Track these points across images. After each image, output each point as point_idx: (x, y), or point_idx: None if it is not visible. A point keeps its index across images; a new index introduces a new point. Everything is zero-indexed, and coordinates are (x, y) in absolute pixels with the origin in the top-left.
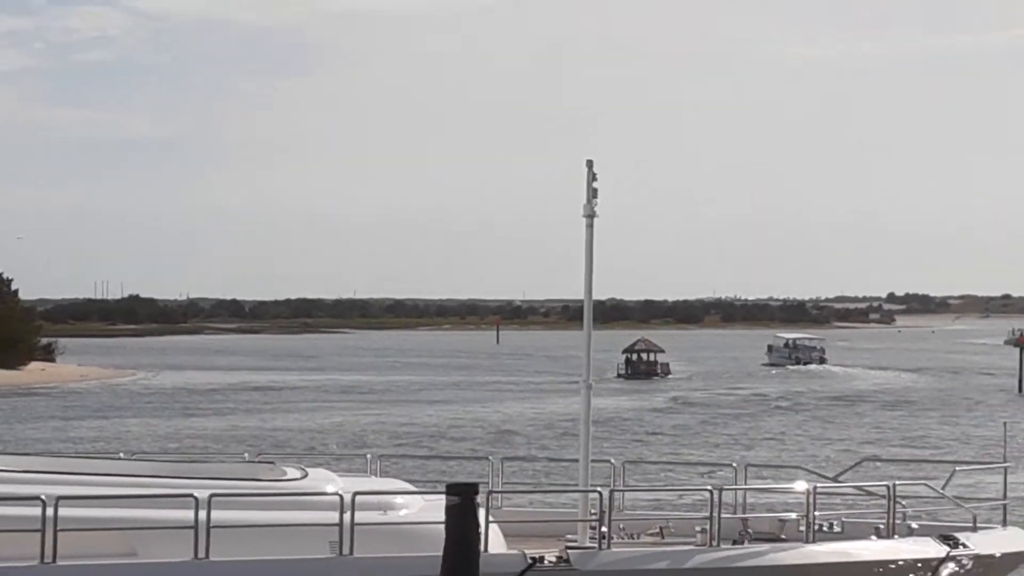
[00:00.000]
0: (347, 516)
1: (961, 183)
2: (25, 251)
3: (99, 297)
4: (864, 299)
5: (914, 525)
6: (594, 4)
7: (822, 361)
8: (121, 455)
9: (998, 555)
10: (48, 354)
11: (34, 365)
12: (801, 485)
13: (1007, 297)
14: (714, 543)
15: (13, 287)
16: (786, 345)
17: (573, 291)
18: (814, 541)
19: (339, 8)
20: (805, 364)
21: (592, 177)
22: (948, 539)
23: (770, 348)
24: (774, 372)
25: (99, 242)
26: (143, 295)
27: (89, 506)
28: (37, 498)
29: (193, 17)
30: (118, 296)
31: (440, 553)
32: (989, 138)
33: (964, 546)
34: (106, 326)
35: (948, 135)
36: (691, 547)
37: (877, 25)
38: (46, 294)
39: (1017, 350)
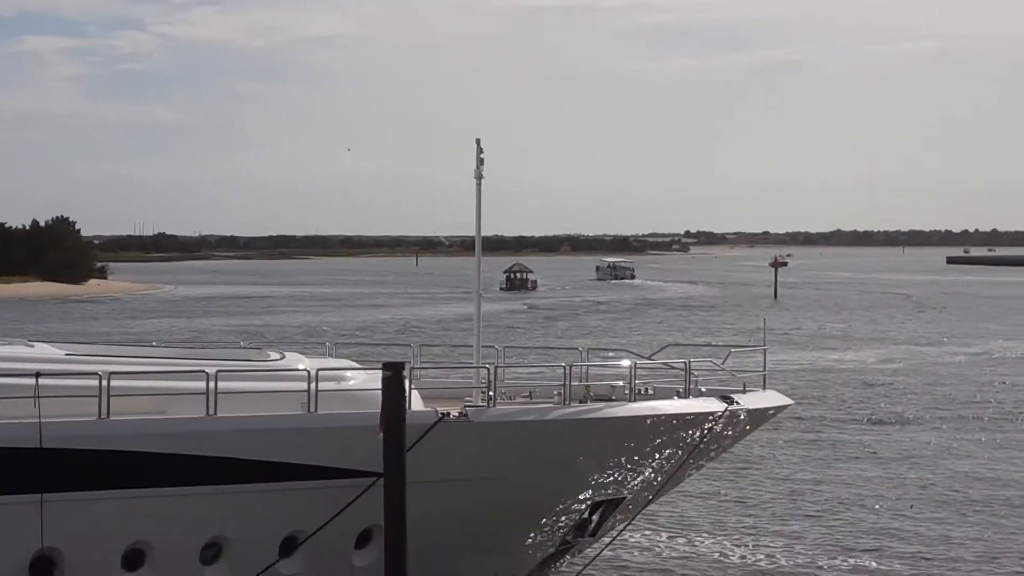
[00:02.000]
0: (313, 385)
1: (725, 155)
2: (85, 201)
3: (137, 234)
4: (669, 235)
5: (703, 389)
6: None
7: (632, 277)
8: (153, 343)
9: (760, 409)
10: (101, 274)
11: (92, 281)
12: (626, 362)
13: (766, 233)
14: (566, 403)
15: (77, 227)
16: (608, 266)
17: (469, 229)
18: (635, 401)
19: (312, 34)
20: (620, 279)
21: (479, 150)
22: (727, 399)
23: (597, 268)
24: (600, 285)
25: (137, 196)
26: (168, 232)
27: (131, 378)
28: (95, 373)
29: (204, 39)
30: (151, 233)
31: (378, 411)
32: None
33: (738, 403)
34: (142, 254)
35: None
36: (551, 405)
37: None
38: (100, 231)
39: (773, 270)
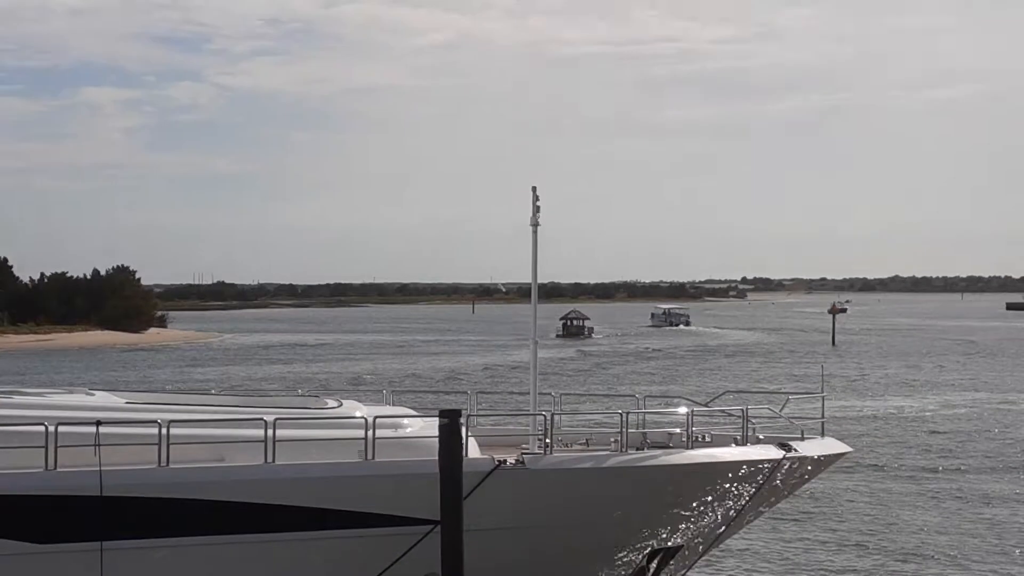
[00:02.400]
0: (370, 433)
1: (782, 201)
2: (144, 251)
3: (196, 283)
4: (725, 281)
5: (761, 436)
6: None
7: (687, 323)
8: (212, 391)
9: (818, 456)
10: (161, 323)
11: (152, 331)
12: (683, 408)
13: (823, 279)
14: (623, 450)
15: (137, 276)
16: (663, 313)
17: (525, 276)
18: (692, 448)
19: (365, 84)
20: (675, 325)
21: (536, 198)
22: (784, 446)
23: (652, 315)
24: (656, 331)
25: (196, 245)
26: (227, 281)
27: (191, 426)
28: (154, 421)
29: (261, 89)
30: (209, 282)
31: (435, 458)
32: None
33: (796, 451)
34: (201, 303)
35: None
36: (607, 452)
37: None
38: (161, 281)
39: (831, 316)
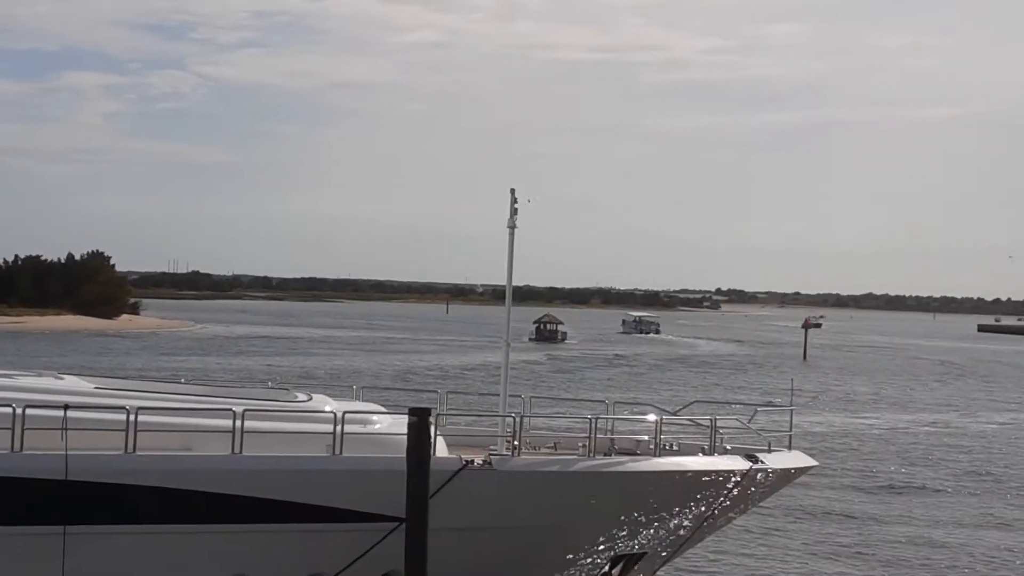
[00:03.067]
0: (339, 428)
1: (758, 213)
2: (120, 237)
3: (171, 271)
4: (699, 291)
5: (728, 447)
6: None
7: (657, 332)
8: (182, 379)
9: (785, 469)
10: (134, 310)
11: (124, 317)
12: (652, 416)
13: (797, 293)
14: (591, 455)
15: (111, 262)
16: (635, 320)
17: (500, 278)
18: (660, 456)
19: (350, 79)
20: (645, 333)
21: (514, 200)
22: (751, 457)
23: (623, 322)
24: (628, 339)
25: (171, 234)
26: (202, 271)
27: (159, 414)
28: (123, 408)
29: (245, 80)
30: (185, 271)
31: (403, 455)
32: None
33: (762, 462)
34: (175, 292)
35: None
36: (575, 457)
37: None
38: (135, 268)
39: (804, 331)
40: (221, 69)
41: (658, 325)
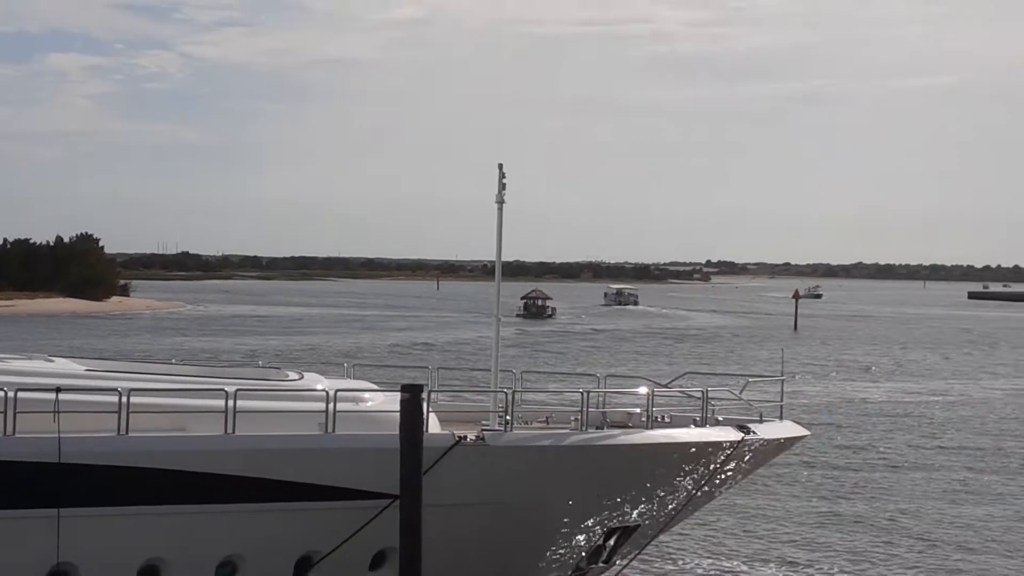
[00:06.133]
0: (331, 406)
1: (748, 185)
2: (108, 219)
3: (160, 252)
4: (690, 264)
5: (720, 418)
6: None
7: (635, 303)
8: (173, 360)
9: (776, 439)
10: (124, 291)
11: (114, 299)
12: (643, 389)
13: (787, 264)
14: (583, 429)
15: (100, 244)
16: (615, 293)
17: (490, 254)
18: (652, 428)
19: (334, 56)
20: (624, 304)
21: (502, 175)
22: (743, 428)
23: (605, 295)
24: (617, 312)
25: (160, 214)
26: (191, 251)
27: (152, 395)
28: (115, 390)
29: (229, 59)
30: (174, 252)
31: (395, 432)
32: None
33: (754, 433)
34: (164, 272)
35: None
36: (568, 431)
37: None
38: (124, 249)
39: (794, 301)
40: (204, 48)
41: (636, 297)
